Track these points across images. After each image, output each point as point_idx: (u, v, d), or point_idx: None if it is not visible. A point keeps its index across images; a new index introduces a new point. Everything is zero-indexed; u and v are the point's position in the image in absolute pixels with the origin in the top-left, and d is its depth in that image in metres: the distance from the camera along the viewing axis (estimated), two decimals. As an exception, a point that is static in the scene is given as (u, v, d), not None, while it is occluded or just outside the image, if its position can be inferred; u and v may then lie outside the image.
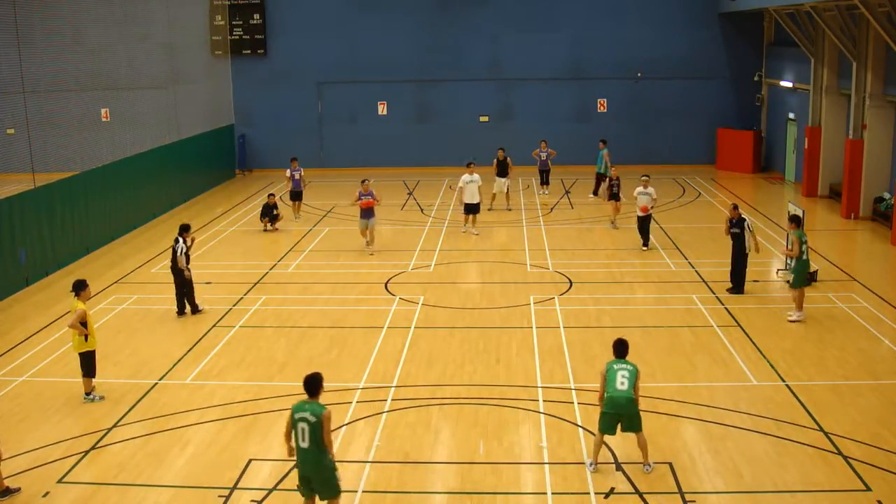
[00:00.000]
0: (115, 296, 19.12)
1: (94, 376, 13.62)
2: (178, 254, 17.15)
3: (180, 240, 17.36)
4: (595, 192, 29.19)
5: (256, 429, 12.43)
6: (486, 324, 16.83)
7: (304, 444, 9.30)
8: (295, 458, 9.54)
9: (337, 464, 9.61)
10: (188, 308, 17.61)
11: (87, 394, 13.55)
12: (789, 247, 16.80)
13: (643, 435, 11.01)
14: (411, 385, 13.93)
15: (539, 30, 34.87)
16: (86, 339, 13.40)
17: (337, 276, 20.44)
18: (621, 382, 10.81)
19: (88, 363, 13.51)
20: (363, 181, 22.52)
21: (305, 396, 9.45)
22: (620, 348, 11.21)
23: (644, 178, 22.55)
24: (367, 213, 22.06)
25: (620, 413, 10.84)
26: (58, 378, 14.51)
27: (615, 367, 10.98)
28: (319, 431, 9.21)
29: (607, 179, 25.28)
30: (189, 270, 17.33)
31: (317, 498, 9.62)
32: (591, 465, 11.07)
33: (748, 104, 35.02)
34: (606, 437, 11.14)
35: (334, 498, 9.55)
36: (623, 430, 11.01)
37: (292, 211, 26.63)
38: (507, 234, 24.50)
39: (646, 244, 22.18)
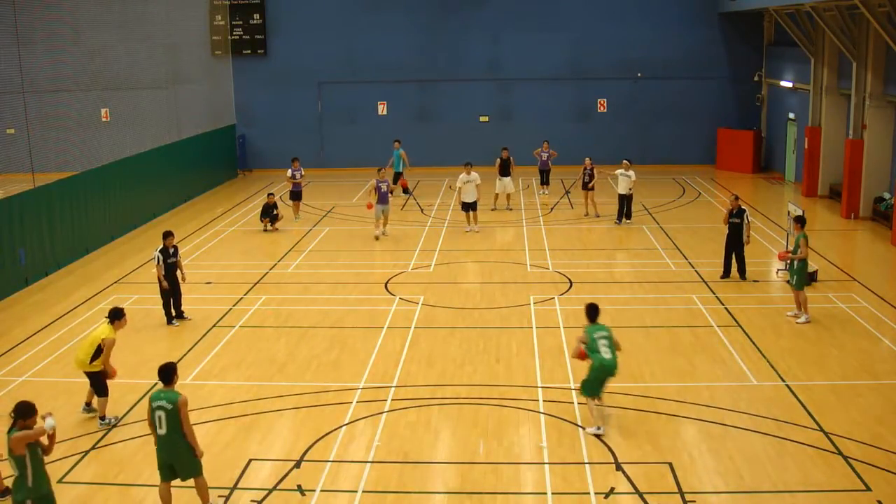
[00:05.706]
0: (115, 296, 19.10)
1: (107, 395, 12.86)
2: (157, 262, 16.85)
3: (161, 248, 16.88)
4: (406, 191, 30.30)
5: (256, 429, 12.43)
6: (486, 324, 16.83)
7: (162, 431, 9.87)
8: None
9: (199, 449, 10.10)
10: (181, 314, 17.25)
11: (102, 418, 12.80)
12: (799, 252, 16.27)
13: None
14: (411, 385, 13.92)
15: (538, 30, 34.86)
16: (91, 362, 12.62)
17: (337, 276, 20.45)
18: (605, 352, 11.84)
19: (99, 382, 12.73)
20: (379, 169, 24.18)
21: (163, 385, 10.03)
22: (593, 313, 12.26)
23: (625, 161, 24.63)
24: (383, 198, 23.43)
25: (609, 376, 11.99)
26: (58, 378, 14.51)
27: (595, 334, 11.99)
28: (176, 418, 9.75)
29: (583, 171, 25.93)
30: (165, 281, 16.75)
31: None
32: (598, 429, 11.81)
33: (748, 104, 35.00)
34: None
35: (198, 476, 10.07)
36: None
37: (292, 211, 26.63)
38: (507, 234, 24.51)
39: (619, 218, 24.84)
